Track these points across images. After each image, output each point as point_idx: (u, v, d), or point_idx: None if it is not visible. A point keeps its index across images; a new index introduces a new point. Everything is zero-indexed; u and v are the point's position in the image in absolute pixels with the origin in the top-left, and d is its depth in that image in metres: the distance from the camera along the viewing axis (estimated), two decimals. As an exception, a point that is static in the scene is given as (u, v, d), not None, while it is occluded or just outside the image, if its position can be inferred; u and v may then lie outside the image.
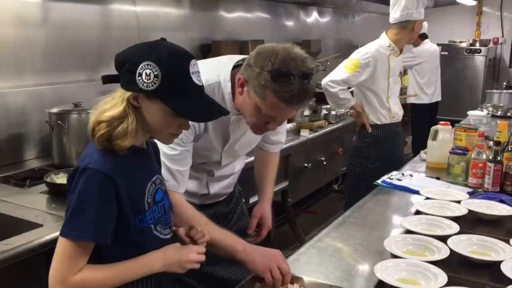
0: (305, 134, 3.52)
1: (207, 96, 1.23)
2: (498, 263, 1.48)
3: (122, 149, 1.14)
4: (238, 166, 1.86)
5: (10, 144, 2.53)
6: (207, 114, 1.22)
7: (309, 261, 1.61)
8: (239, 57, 1.63)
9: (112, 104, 1.15)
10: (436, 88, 5.26)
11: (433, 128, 2.76)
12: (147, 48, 1.14)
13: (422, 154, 2.91)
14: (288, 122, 2.02)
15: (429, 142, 2.75)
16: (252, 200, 3.09)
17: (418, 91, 5.18)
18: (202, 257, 1.28)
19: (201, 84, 1.19)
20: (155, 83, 1.11)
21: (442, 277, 1.39)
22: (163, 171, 1.50)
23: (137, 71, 1.11)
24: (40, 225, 1.78)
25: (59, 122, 2.42)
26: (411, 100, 5.25)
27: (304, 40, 5.19)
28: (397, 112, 3.15)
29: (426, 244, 1.62)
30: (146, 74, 1.11)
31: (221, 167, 1.75)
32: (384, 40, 3.01)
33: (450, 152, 2.48)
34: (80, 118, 2.44)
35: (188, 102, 1.15)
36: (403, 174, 2.50)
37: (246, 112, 1.52)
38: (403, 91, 5.53)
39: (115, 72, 1.18)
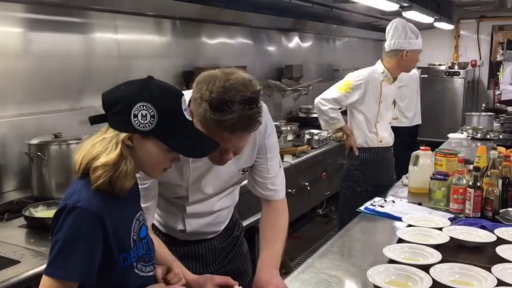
0: (288, 159, 3.53)
1: (198, 130, 1.24)
2: (481, 292, 1.49)
3: (124, 191, 1.16)
4: (218, 205, 1.72)
5: (-12, 176, 2.49)
6: (201, 148, 1.23)
7: (292, 293, 1.60)
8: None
9: (103, 147, 1.14)
10: (416, 112, 5.34)
11: (414, 153, 2.78)
12: (138, 88, 1.15)
13: (404, 179, 2.93)
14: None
15: (410, 167, 2.77)
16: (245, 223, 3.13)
17: (398, 114, 5.24)
18: None
19: (191, 120, 1.21)
20: (152, 123, 1.13)
21: (425, 308, 1.39)
22: None
23: (132, 112, 1.12)
24: (18, 262, 1.74)
25: (39, 153, 2.39)
26: (392, 123, 5.30)
27: (287, 65, 5.25)
28: (385, 137, 3.26)
29: (409, 274, 1.62)
30: (142, 115, 1.12)
31: (191, 204, 1.66)
32: (378, 67, 3.20)
33: (431, 178, 2.51)
34: (61, 149, 2.42)
35: (183, 138, 1.17)
36: (385, 200, 2.51)
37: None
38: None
39: (97, 101, 1.18)
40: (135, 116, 1.12)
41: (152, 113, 1.12)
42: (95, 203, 1.12)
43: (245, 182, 1.78)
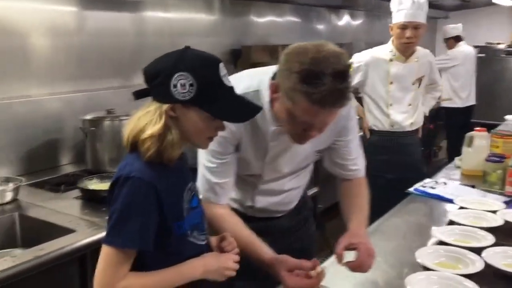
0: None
1: (239, 96, 1.24)
2: (536, 277, 1.43)
3: (172, 160, 1.18)
4: (289, 184, 1.70)
5: (46, 150, 2.59)
6: (243, 113, 1.22)
7: (337, 272, 1.58)
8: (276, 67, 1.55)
9: (148, 119, 1.16)
10: (470, 92, 5.14)
11: (468, 134, 2.69)
12: (176, 58, 1.16)
13: (456, 161, 2.84)
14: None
15: (464, 149, 2.68)
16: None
17: (452, 94, 5.07)
18: (237, 266, 1.29)
19: (231, 85, 1.21)
20: (191, 92, 1.13)
21: (476, 291, 1.35)
22: (203, 183, 1.53)
23: (171, 83, 1.13)
24: (73, 231, 1.81)
25: (93, 128, 2.47)
26: (444, 104, 5.14)
27: (336, 44, 5.15)
28: (400, 121, 2.96)
29: (459, 256, 1.58)
30: (181, 84, 1.13)
31: (265, 182, 1.65)
32: (388, 45, 2.96)
33: (486, 160, 2.41)
34: (113, 124, 2.49)
35: (224, 105, 1.17)
36: (436, 182, 2.44)
37: (283, 120, 1.42)
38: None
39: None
40: (175, 86, 1.13)
41: (190, 82, 1.13)
42: (147, 173, 1.14)
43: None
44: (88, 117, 2.53)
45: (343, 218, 1.68)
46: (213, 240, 1.38)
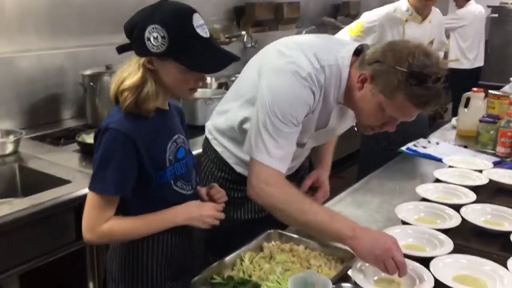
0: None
1: (216, 45, 1.25)
2: (508, 233, 1.48)
3: (149, 112, 1.22)
4: (307, 152, 1.75)
5: (47, 104, 2.65)
6: (218, 63, 1.23)
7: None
8: (352, 42, 1.56)
9: (129, 71, 1.20)
10: (478, 53, 5.06)
11: (465, 94, 2.69)
12: (150, 11, 1.18)
13: (453, 121, 2.85)
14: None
15: (460, 109, 2.69)
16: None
17: (459, 55, 5.00)
18: (222, 215, 1.35)
19: (207, 36, 1.21)
20: (164, 45, 1.15)
21: (448, 244, 1.41)
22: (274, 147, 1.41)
23: (145, 36, 1.16)
24: (70, 182, 1.89)
25: (91, 84, 2.51)
26: (451, 65, 5.08)
27: (344, 1, 5.08)
28: None
29: (438, 212, 1.62)
30: (154, 37, 1.15)
31: (301, 150, 1.63)
32: (402, 3, 2.65)
33: (480, 120, 2.43)
34: (112, 80, 2.51)
35: (198, 56, 1.18)
36: (429, 142, 2.47)
37: (363, 110, 1.45)
38: (445, 56, 5.36)
39: None
40: (148, 39, 1.16)
41: (162, 35, 1.15)
42: (125, 124, 1.19)
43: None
44: (87, 72, 2.57)
45: (312, 158, 1.87)
46: (203, 189, 1.44)
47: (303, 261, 1.35)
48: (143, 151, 1.21)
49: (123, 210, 1.25)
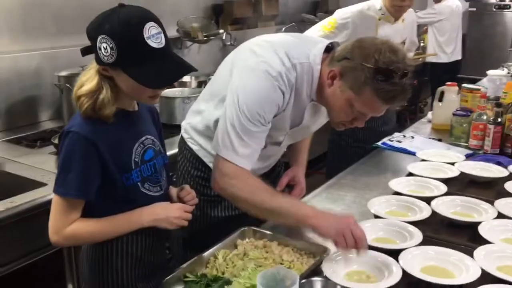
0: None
1: (169, 56, 1.20)
2: (476, 224, 1.51)
3: (107, 118, 1.21)
4: (282, 150, 1.78)
5: (24, 107, 2.63)
6: (168, 77, 1.21)
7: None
8: (323, 40, 1.58)
9: (87, 76, 1.21)
10: (456, 47, 5.13)
11: (439, 89, 2.73)
12: (101, 20, 1.16)
13: (429, 115, 2.90)
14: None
15: (435, 103, 2.73)
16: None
17: (437, 49, 5.06)
18: (189, 215, 1.35)
19: (161, 46, 1.17)
20: (113, 56, 1.14)
21: (417, 236, 1.44)
22: (240, 145, 1.42)
23: (97, 45, 1.15)
24: (45, 184, 1.88)
25: (67, 85, 2.50)
26: (430, 59, 5.15)
27: (322, -2, 5.11)
28: None
29: (409, 205, 1.65)
30: (103, 47, 1.14)
31: (275, 145, 1.66)
32: (376, 2, 2.58)
33: (453, 114, 2.47)
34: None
35: (147, 69, 1.15)
36: (404, 136, 2.51)
37: (333, 107, 1.48)
38: (423, 50, 5.43)
39: None
40: (99, 49, 1.15)
41: (111, 45, 1.13)
42: (85, 128, 1.19)
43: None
44: (63, 73, 2.56)
45: (288, 155, 1.91)
46: (173, 190, 1.44)
47: (276, 257, 1.37)
48: (105, 154, 1.21)
49: (90, 213, 1.25)
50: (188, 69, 1.24)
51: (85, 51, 1.23)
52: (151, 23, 1.15)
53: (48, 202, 1.74)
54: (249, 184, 1.44)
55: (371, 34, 2.46)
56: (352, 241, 1.31)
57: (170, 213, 1.31)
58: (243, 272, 1.29)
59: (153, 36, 1.15)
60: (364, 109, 1.43)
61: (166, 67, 1.19)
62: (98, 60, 1.18)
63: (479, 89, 2.61)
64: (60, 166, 1.21)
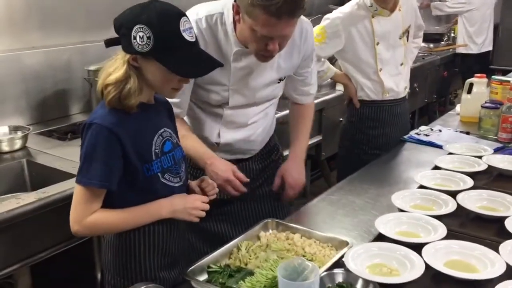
0: (341, 88, 3.49)
1: (200, 50, 1.29)
2: (503, 218, 1.49)
3: (131, 108, 1.25)
4: (253, 118, 1.79)
5: (55, 100, 2.70)
6: (200, 68, 1.29)
7: (317, 213, 1.68)
8: None
9: (115, 66, 1.24)
10: (487, 37, 5.01)
11: (468, 81, 2.69)
12: (139, 11, 1.21)
13: (457, 107, 2.85)
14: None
15: (463, 95, 2.69)
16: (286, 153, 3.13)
17: (467, 40, 4.95)
18: (207, 206, 1.38)
19: (193, 40, 1.25)
20: (149, 45, 1.19)
21: (441, 230, 1.43)
22: None
23: (132, 34, 1.19)
24: (76, 175, 1.93)
25: (96, 79, 2.54)
26: (460, 50, 5.04)
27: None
28: (393, 87, 2.44)
29: (434, 199, 1.64)
30: (140, 36, 1.19)
31: (230, 108, 1.72)
32: None
33: (482, 106, 2.43)
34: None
35: (181, 59, 1.22)
36: (431, 129, 2.47)
37: (246, 39, 1.54)
38: (453, 40, 5.31)
39: None
40: (134, 38, 1.19)
41: (148, 35, 1.18)
42: (108, 119, 1.23)
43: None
44: (92, 67, 2.62)
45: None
46: (193, 183, 1.47)
47: (299, 249, 1.39)
48: (127, 145, 1.24)
49: (110, 203, 1.29)
50: (217, 63, 1.30)
51: (109, 43, 1.27)
52: (186, 18, 1.24)
53: None
54: None
55: (367, 32, 2.35)
56: (238, 185, 1.63)
57: (187, 203, 1.34)
58: (265, 263, 1.30)
59: (187, 29, 1.23)
60: (264, 31, 1.45)
61: (198, 59, 1.26)
62: (129, 50, 1.21)
63: (509, 81, 2.54)
64: (83, 157, 1.24)
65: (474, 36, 4.95)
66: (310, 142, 3.18)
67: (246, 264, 1.33)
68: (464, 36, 4.98)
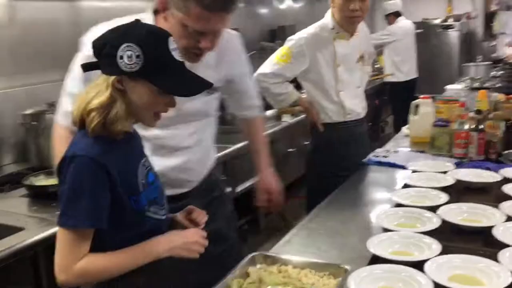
0: (287, 119, 3.49)
1: (188, 71, 1.21)
2: (489, 228, 1.48)
3: (118, 134, 1.15)
4: (186, 141, 1.65)
5: (-15, 150, 2.45)
6: (192, 87, 1.20)
7: (301, 242, 1.59)
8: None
9: (96, 91, 1.13)
10: (412, 66, 5.30)
11: (414, 102, 2.75)
12: (124, 29, 1.13)
13: (404, 129, 2.91)
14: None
15: (411, 117, 2.74)
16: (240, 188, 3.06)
17: (394, 69, 5.20)
18: (206, 241, 1.28)
19: (182, 60, 1.18)
20: (138, 64, 1.10)
21: (436, 246, 1.38)
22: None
23: (118, 54, 1.10)
24: (22, 229, 1.72)
25: (34, 123, 2.35)
26: (388, 79, 5.27)
27: (279, 26, 5.17)
28: (354, 109, 2.48)
29: (417, 216, 1.61)
30: (127, 56, 1.10)
31: (158, 127, 1.45)
32: (327, 20, 2.43)
33: (433, 125, 2.48)
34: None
35: (172, 79, 1.14)
36: (388, 151, 2.49)
37: (175, 36, 1.42)
38: (380, 71, 5.56)
39: None
40: (121, 57, 1.10)
41: (137, 53, 1.10)
42: (94, 150, 1.11)
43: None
44: (29, 111, 2.41)
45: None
46: (179, 216, 1.36)
47: (295, 281, 1.28)
48: (115, 176, 1.12)
49: (95, 243, 1.14)
50: (206, 84, 1.22)
51: (87, 67, 1.16)
52: (172, 38, 1.16)
53: (28, 248, 1.63)
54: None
55: (330, 55, 2.41)
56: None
57: (187, 238, 1.23)
58: (268, 300, 1.18)
59: (175, 49, 1.16)
60: (198, 25, 1.40)
61: (189, 79, 1.18)
62: (114, 71, 1.11)
63: (455, 100, 2.64)
64: (66, 196, 1.10)
65: (400, 65, 5.21)
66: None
67: (242, 304, 1.20)
68: (390, 65, 5.23)
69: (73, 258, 1.10)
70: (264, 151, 1.98)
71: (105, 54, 1.11)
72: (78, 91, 1.45)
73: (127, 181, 1.16)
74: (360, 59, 2.53)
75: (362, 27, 2.57)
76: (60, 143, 1.53)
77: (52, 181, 2.08)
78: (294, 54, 2.39)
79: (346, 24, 2.41)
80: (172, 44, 1.15)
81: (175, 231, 1.25)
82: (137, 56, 1.09)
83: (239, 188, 3.03)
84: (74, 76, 1.59)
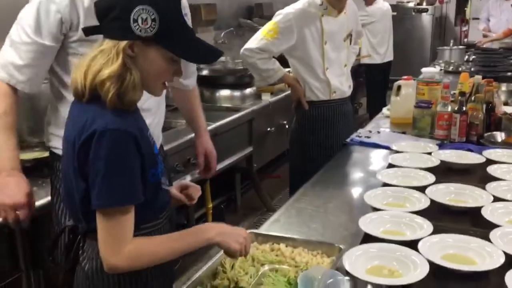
0: (267, 98, 3.45)
1: (199, 38, 1.15)
2: (477, 209, 1.49)
3: (134, 103, 1.09)
4: (149, 102, 1.57)
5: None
6: (206, 55, 1.14)
7: (290, 221, 1.56)
8: None
9: (104, 58, 1.04)
10: (388, 47, 5.31)
11: (396, 83, 2.75)
12: None
13: (385, 110, 2.92)
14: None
15: (392, 98, 2.75)
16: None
17: (370, 51, 5.20)
18: (250, 243, 1.23)
19: (191, 26, 1.15)
20: (153, 28, 1.03)
21: (427, 226, 1.38)
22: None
23: (131, 17, 1.02)
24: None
25: None
26: (365, 60, 5.27)
27: (256, 4, 5.08)
28: (340, 87, 2.49)
29: (406, 196, 1.61)
30: (142, 19, 1.02)
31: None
32: None
33: (415, 106, 2.48)
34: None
35: (187, 44, 1.09)
36: (370, 131, 2.49)
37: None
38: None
39: None
40: (135, 20, 1.02)
41: (153, 17, 1.02)
42: (122, 122, 1.04)
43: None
44: (0, 83, 2.28)
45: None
46: (174, 190, 1.33)
47: (289, 260, 1.26)
48: (142, 148, 1.07)
49: None
50: (219, 52, 1.16)
51: (89, 31, 1.09)
52: (183, 1, 1.11)
53: (2, 226, 1.54)
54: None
55: (317, 32, 2.39)
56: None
57: (237, 231, 1.18)
58: (264, 278, 1.15)
59: (186, 14, 1.13)
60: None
61: (200, 46, 1.12)
62: (127, 35, 1.03)
63: (436, 82, 2.65)
64: (103, 173, 1.01)
65: (377, 47, 5.21)
66: (241, 155, 3.12)
67: (236, 283, 1.17)
68: (367, 47, 5.22)
69: (124, 238, 1.03)
70: (202, 116, 2.02)
71: (114, 17, 1.03)
72: (27, 43, 1.41)
73: (149, 153, 1.11)
74: (347, 37, 2.52)
75: (350, 5, 2.56)
76: None
77: (27, 155, 2.00)
78: (282, 30, 2.36)
79: (334, 1, 2.39)
80: (184, 9, 1.10)
81: (225, 224, 1.20)
82: (153, 20, 1.02)
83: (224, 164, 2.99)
84: (23, 24, 1.46)
